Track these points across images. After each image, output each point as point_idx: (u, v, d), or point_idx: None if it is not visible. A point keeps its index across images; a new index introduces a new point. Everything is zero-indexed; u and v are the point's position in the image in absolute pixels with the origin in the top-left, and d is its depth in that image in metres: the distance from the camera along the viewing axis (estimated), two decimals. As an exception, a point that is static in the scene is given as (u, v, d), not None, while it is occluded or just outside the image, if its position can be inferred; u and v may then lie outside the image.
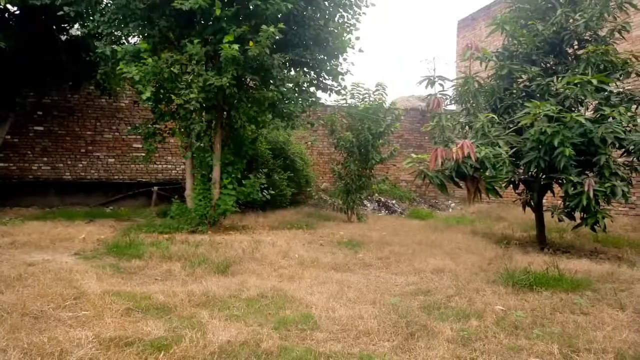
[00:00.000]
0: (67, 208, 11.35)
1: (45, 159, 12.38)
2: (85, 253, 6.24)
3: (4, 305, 3.74)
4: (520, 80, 7.98)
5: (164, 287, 4.60)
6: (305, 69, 9.42)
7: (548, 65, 8.00)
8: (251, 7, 7.91)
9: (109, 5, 8.90)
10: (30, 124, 12.22)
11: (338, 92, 9.96)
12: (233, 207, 8.73)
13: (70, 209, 11.10)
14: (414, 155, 6.64)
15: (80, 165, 12.69)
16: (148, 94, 7.79)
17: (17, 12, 10.05)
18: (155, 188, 12.53)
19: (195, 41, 7.80)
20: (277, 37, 7.72)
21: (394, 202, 14.19)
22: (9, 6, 9.55)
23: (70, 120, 12.67)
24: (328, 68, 9.45)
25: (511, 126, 7.14)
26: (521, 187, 8.13)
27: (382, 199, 14.06)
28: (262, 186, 9.61)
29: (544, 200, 8.20)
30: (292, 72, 9.25)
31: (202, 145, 9.02)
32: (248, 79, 8.71)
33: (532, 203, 7.95)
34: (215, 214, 8.64)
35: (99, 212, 10.97)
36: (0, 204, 11.02)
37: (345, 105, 11.09)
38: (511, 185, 7.93)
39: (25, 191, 11.82)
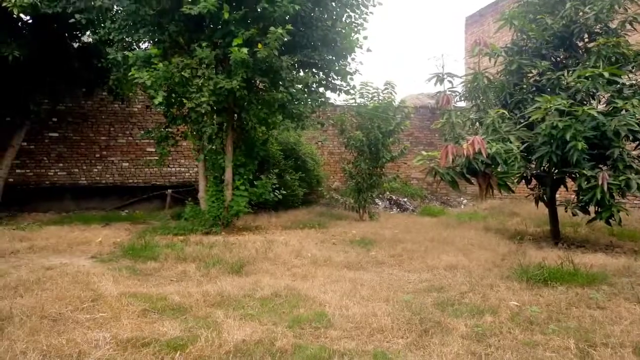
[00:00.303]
0: (83, 212, 11.52)
1: (61, 164, 12.60)
2: (102, 256, 6.35)
3: (23, 309, 3.83)
4: (530, 75, 7.91)
5: (179, 288, 4.66)
6: (314, 69, 9.44)
7: (558, 59, 7.92)
8: (259, 9, 7.96)
9: (119, 12, 9.03)
10: (45, 130, 12.44)
11: (347, 92, 9.96)
12: (246, 208, 8.80)
13: (86, 213, 11.28)
14: (424, 153, 6.63)
15: (95, 170, 12.88)
16: (160, 99, 7.89)
17: (30, 21, 10.24)
18: (169, 191, 12.68)
19: (205, 45, 7.87)
20: (286, 39, 7.76)
21: (405, 199, 14.15)
22: (22, 15, 9.73)
23: (85, 126, 12.86)
24: (337, 68, 9.46)
25: (522, 121, 7.09)
26: (534, 182, 8.06)
27: (394, 197, 14.02)
28: (274, 187, 9.66)
29: (557, 195, 8.12)
30: (301, 73, 9.28)
31: (214, 147, 9.09)
32: (258, 81, 8.76)
33: (545, 198, 7.88)
34: (229, 215, 8.72)
35: (115, 216, 11.12)
36: (18, 210, 11.24)
37: (354, 104, 11.09)
38: (523, 181, 7.87)
39: (42, 196, 12.03)
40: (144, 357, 2.96)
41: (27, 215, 10.89)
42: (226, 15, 7.60)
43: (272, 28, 7.60)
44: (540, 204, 8.11)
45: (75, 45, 10.95)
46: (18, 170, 12.10)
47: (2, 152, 10.95)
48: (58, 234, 7.87)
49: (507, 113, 7.09)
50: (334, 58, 9.39)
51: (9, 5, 8.42)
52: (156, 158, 10.45)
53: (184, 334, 3.44)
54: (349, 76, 9.57)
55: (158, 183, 13.21)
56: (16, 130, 11.00)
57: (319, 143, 14.06)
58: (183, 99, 8.15)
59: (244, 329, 3.51)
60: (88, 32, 10.64)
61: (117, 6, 9.01)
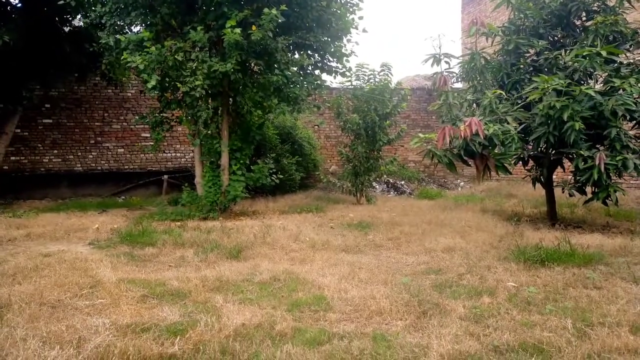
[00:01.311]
0: (79, 199, 11.48)
1: (55, 151, 12.51)
2: (100, 242, 6.33)
3: (22, 296, 3.81)
4: (528, 54, 7.84)
5: (177, 274, 4.67)
6: (309, 51, 9.32)
7: (555, 38, 7.85)
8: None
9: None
10: (39, 117, 12.31)
11: (343, 74, 9.85)
12: (243, 193, 8.78)
13: (82, 200, 11.23)
14: (421, 135, 6.59)
15: (91, 156, 12.80)
16: (153, 83, 7.80)
17: (19, 4, 10.04)
18: (166, 177, 12.62)
19: (199, 28, 7.75)
20: (280, 20, 7.65)
21: (402, 182, 14.16)
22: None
23: (78, 112, 12.74)
24: (332, 50, 9.34)
25: (519, 102, 7.05)
26: (531, 163, 8.06)
27: (391, 180, 14.03)
28: (271, 171, 9.63)
29: (554, 176, 8.13)
30: (296, 56, 9.17)
31: (209, 132, 9.02)
32: (252, 64, 8.65)
33: (542, 179, 7.89)
34: (226, 200, 8.70)
35: (111, 202, 11.08)
36: (13, 197, 11.20)
37: (350, 87, 11.00)
38: (521, 162, 7.87)
39: (37, 184, 11.97)
40: (144, 342, 2.96)
41: (23, 202, 10.84)
42: (218, -3, 7.47)
43: (265, 9, 7.47)
44: (538, 185, 8.13)
45: (66, 29, 10.76)
46: (12, 158, 12.02)
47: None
48: (55, 221, 7.84)
49: (504, 94, 7.05)
50: (329, 39, 9.25)
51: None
52: (151, 143, 10.37)
53: (184, 319, 3.44)
54: (344, 58, 9.44)
55: (154, 169, 13.15)
56: (9, 117, 10.86)
57: (316, 127, 13.99)
58: (177, 83, 8.06)
59: (244, 313, 3.52)
60: (79, 16, 10.47)
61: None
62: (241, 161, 8.94)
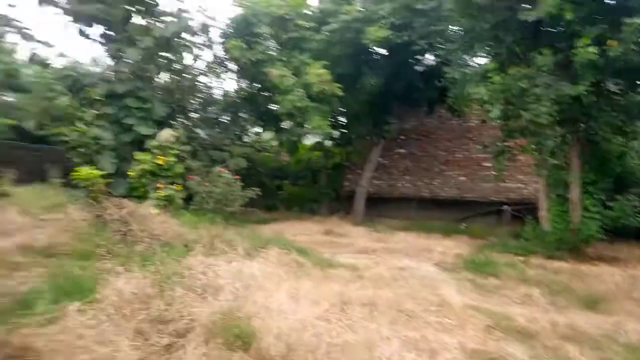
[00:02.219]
0: (424, 222, 12.53)
1: (407, 177, 14.20)
2: (444, 265, 6.72)
3: (383, 301, 4.41)
4: None
5: (523, 311, 4.45)
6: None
7: None
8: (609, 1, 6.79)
9: (455, 32, 9.47)
10: (395, 147, 14.30)
11: None
12: (598, 234, 7.64)
13: (427, 223, 12.20)
14: None
15: (435, 183, 13.88)
16: (497, 112, 7.81)
17: (384, 52, 12.03)
18: (507, 207, 12.30)
19: (545, 51, 7.29)
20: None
21: None
22: (375, 48, 11.54)
23: (426, 142, 14.13)
24: None
25: None
26: None
27: None
28: (636, 210, 7.96)
29: None
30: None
31: (556, 162, 8.32)
32: (609, 84, 7.49)
33: None
34: (576, 240, 7.76)
35: (452, 228, 11.58)
36: (375, 215, 13.30)
37: None
38: None
39: (391, 205, 13.84)
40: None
41: (381, 220, 12.70)
42: (569, 16, 6.84)
43: (627, 19, 6.33)
44: None
45: (418, 68, 12.16)
46: (375, 182, 14.32)
47: (363, 166, 13.28)
48: (405, 239, 8.87)
49: None
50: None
51: (366, 41, 10.12)
52: (492, 173, 10.35)
53: (532, 360, 3.23)
54: None
55: (494, 199, 13.04)
56: (373, 147, 13.10)
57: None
58: (520, 111, 7.78)
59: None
60: (427, 55, 11.66)
61: (453, 26, 9.49)
62: (595, 196, 7.87)
